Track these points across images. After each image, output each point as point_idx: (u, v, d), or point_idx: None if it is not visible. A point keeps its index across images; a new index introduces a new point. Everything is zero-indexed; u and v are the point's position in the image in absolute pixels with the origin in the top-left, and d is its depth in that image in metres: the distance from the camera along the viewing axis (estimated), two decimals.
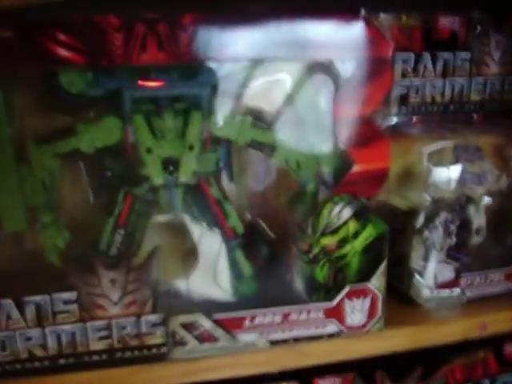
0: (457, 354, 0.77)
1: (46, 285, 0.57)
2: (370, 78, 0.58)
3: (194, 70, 0.57)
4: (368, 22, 0.57)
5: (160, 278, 0.59)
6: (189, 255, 0.66)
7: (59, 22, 0.51)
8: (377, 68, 0.58)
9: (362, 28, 0.57)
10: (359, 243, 0.62)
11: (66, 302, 0.57)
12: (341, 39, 0.57)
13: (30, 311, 0.56)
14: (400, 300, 0.70)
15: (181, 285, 0.63)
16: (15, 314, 0.55)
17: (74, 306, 0.57)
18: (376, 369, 0.75)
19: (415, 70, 0.70)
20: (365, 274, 0.63)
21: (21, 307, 0.56)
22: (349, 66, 0.57)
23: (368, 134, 0.59)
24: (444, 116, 0.73)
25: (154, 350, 0.59)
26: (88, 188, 0.61)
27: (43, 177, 0.57)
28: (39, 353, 0.57)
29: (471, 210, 0.70)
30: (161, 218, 0.62)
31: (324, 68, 0.58)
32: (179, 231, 0.64)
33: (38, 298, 0.56)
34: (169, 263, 0.65)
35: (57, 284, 0.57)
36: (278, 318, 0.61)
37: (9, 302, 0.55)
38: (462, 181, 0.69)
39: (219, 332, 0.60)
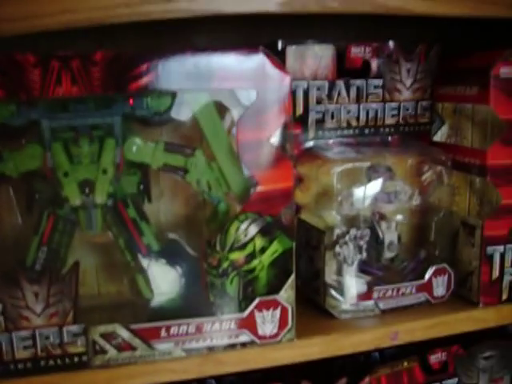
0: (381, 364, 0.81)
1: None
2: (270, 106, 0.63)
3: (106, 100, 0.63)
4: (267, 55, 0.62)
5: (80, 291, 0.64)
6: (110, 269, 0.71)
7: None
8: (277, 96, 0.63)
9: (261, 60, 0.62)
10: (266, 258, 0.66)
11: None
12: (243, 70, 0.62)
13: None
14: (318, 312, 0.75)
15: (101, 297, 0.68)
16: None
17: (0, 318, 0.62)
18: (301, 378, 0.79)
19: (330, 96, 0.76)
20: (274, 287, 0.67)
21: None
22: (251, 95, 0.63)
23: (270, 156, 0.64)
24: (361, 139, 0.78)
25: (76, 359, 0.64)
26: (16, 209, 0.67)
27: None
28: None
29: (383, 226, 0.75)
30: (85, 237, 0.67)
31: (228, 97, 0.64)
32: (108, 248, 0.70)
33: None
34: (99, 276, 0.71)
35: None
36: (192, 328, 0.66)
37: None
38: (374, 199, 0.74)
39: (136, 341, 0.65)
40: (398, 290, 0.74)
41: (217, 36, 0.80)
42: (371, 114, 0.78)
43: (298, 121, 0.75)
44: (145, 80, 0.60)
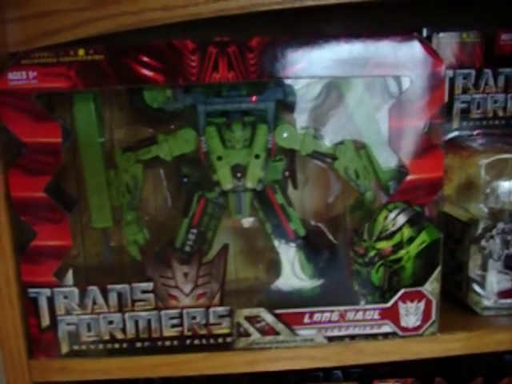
0: None
1: (128, 276, 0.65)
2: (423, 93, 0.62)
3: (260, 87, 0.63)
4: (421, 41, 0.61)
5: (228, 274, 0.65)
6: (251, 254, 0.72)
7: (143, 46, 0.59)
8: (430, 84, 0.62)
9: (415, 47, 0.61)
10: (413, 248, 0.65)
11: (143, 292, 0.64)
12: (397, 57, 0.61)
13: (113, 298, 0.64)
14: (459, 307, 0.73)
15: (241, 281, 0.69)
16: (100, 299, 0.64)
17: (151, 296, 0.64)
18: (436, 375, 0.78)
19: (476, 85, 0.73)
20: (419, 279, 0.66)
21: (105, 294, 0.64)
22: (404, 83, 0.62)
23: (422, 145, 0.63)
24: (507, 130, 0.75)
25: (220, 340, 0.66)
26: (166, 191, 0.69)
27: (127, 180, 0.65)
28: (119, 335, 0.65)
29: None
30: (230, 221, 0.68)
31: (381, 84, 0.63)
32: (249, 233, 0.71)
33: (119, 287, 0.64)
34: (237, 261, 0.72)
35: (136, 275, 0.64)
36: (335, 316, 0.66)
37: (95, 289, 0.64)
38: None
39: (280, 326, 0.65)
40: None
41: (347, 24, 0.79)
42: None
43: None
44: (298, 67, 0.60)
